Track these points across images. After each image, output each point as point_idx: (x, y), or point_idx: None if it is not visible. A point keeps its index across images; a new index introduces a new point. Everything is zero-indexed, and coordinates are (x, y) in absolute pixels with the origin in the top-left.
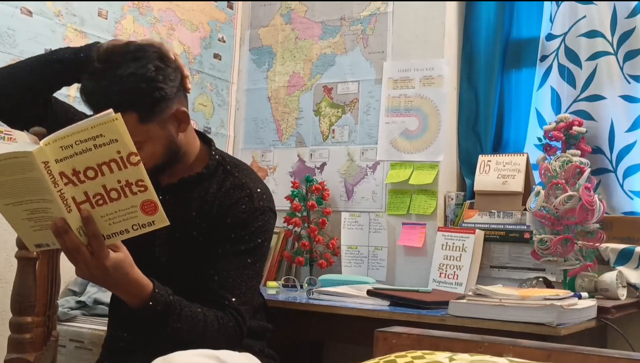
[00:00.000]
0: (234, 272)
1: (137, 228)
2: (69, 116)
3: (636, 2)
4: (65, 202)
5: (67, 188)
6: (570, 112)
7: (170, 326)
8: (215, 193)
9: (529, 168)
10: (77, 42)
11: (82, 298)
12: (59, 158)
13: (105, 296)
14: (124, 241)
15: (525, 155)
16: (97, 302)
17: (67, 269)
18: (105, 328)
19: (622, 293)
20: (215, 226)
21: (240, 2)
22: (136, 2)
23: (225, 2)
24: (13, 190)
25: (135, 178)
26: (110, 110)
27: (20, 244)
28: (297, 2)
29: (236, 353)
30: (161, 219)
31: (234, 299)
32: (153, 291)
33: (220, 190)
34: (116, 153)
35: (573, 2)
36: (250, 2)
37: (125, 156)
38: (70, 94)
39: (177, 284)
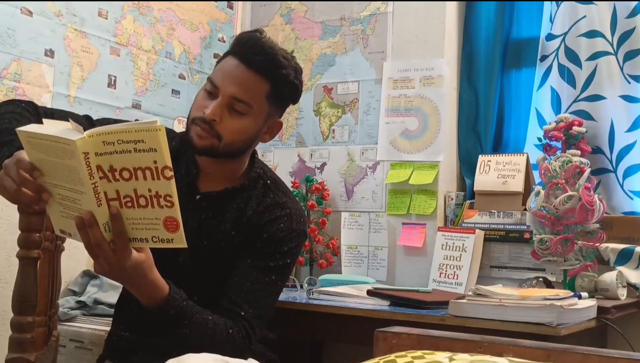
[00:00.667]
0: (257, 286)
1: (157, 241)
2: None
3: (636, 2)
4: (97, 195)
5: (101, 182)
6: (570, 112)
7: (180, 331)
8: (255, 207)
9: (529, 168)
10: (77, 42)
11: (82, 298)
12: (100, 151)
13: (105, 296)
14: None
15: (525, 155)
16: (97, 302)
17: (67, 269)
18: (105, 328)
19: (622, 293)
20: (248, 239)
21: (240, 2)
22: (136, 2)
23: (225, 2)
24: (54, 171)
25: (165, 192)
26: (157, 119)
27: (21, 244)
28: (297, 2)
29: (243, 360)
30: (180, 240)
31: (250, 311)
32: (168, 294)
33: (260, 206)
34: (152, 162)
35: (573, 2)
36: (250, 2)
37: (161, 168)
38: (70, 94)
39: (194, 288)
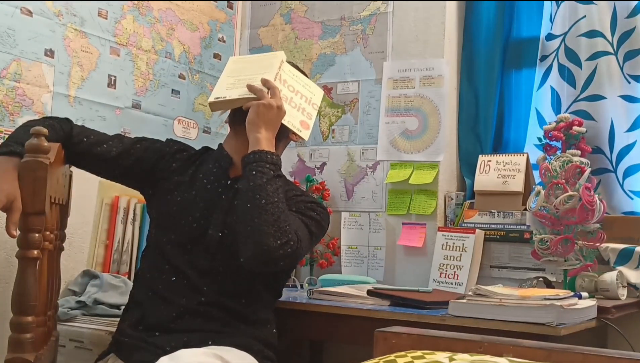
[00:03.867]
0: (301, 225)
1: (292, 126)
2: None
3: (636, 2)
4: (275, 76)
5: (276, 80)
6: (570, 112)
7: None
8: (285, 189)
9: (529, 167)
10: (77, 42)
11: (82, 298)
12: (286, 70)
13: (105, 296)
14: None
15: (525, 155)
16: (97, 302)
17: (67, 269)
18: (105, 328)
19: (622, 293)
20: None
21: (240, 2)
22: (136, 2)
23: (225, 2)
24: (240, 70)
25: (309, 111)
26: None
27: (21, 244)
28: (297, 2)
29: (239, 352)
30: (307, 134)
31: (297, 235)
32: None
33: (288, 191)
34: (309, 95)
35: (573, 2)
36: (250, 2)
37: (313, 102)
38: (70, 94)
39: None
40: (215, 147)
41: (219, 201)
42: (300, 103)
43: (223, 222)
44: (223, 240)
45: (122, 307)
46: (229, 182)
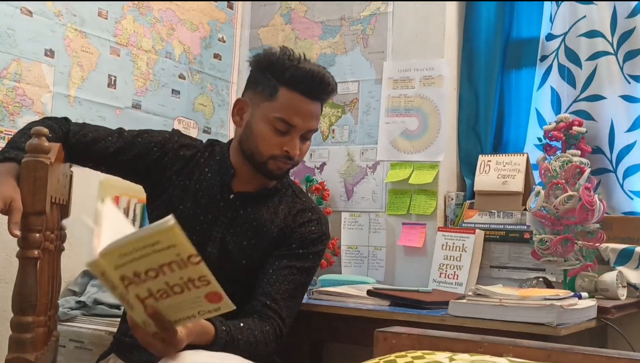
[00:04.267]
0: (293, 286)
1: (204, 313)
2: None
3: (636, 2)
4: (127, 302)
5: (129, 288)
6: (570, 112)
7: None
8: (288, 211)
9: (529, 168)
10: (77, 42)
11: (82, 298)
12: (119, 263)
13: (105, 296)
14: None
15: (525, 155)
16: (97, 302)
17: (67, 269)
18: (105, 328)
19: (622, 293)
20: (281, 240)
21: (240, 2)
22: (136, 2)
23: (225, 2)
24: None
25: (197, 275)
26: (168, 218)
27: (21, 244)
28: (297, 2)
29: (241, 359)
30: (226, 305)
31: (286, 311)
32: (214, 337)
33: (293, 209)
34: (175, 255)
35: (573, 2)
36: (250, 2)
37: (185, 257)
38: (70, 94)
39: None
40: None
41: (220, 216)
42: (178, 276)
43: (222, 239)
44: (221, 258)
45: (123, 307)
46: (231, 196)
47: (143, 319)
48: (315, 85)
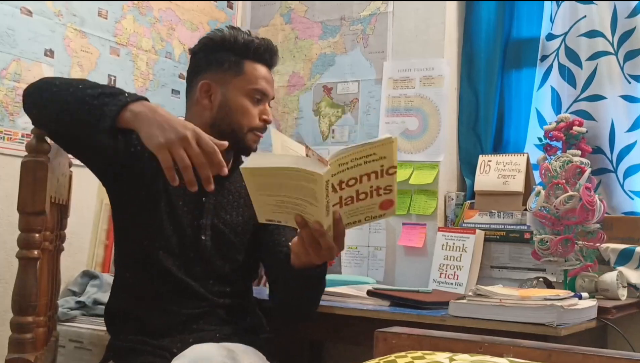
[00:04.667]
0: None
1: (369, 219)
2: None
3: (636, 2)
4: (327, 209)
5: (331, 195)
6: (571, 112)
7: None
8: None
9: (529, 168)
10: (77, 42)
11: (81, 299)
12: (334, 172)
13: (105, 296)
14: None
15: (526, 155)
16: (96, 302)
17: (67, 269)
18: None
19: (623, 293)
20: None
21: (240, 2)
22: (136, 2)
23: (225, 2)
24: (277, 188)
25: (385, 184)
26: (391, 136)
27: (21, 244)
28: (297, 2)
29: (245, 347)
30: (391, 212)
31: None
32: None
33: None
34: (379, 166)
35: (573, 2)
36: (250, 2)
37: (387, 168)
38: None
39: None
40: None
41: (206, 202)
42: (369, 185)
43: (212, 225)
44: (215, 244)
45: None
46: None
47: (329, 224)
48: (272, 54)
